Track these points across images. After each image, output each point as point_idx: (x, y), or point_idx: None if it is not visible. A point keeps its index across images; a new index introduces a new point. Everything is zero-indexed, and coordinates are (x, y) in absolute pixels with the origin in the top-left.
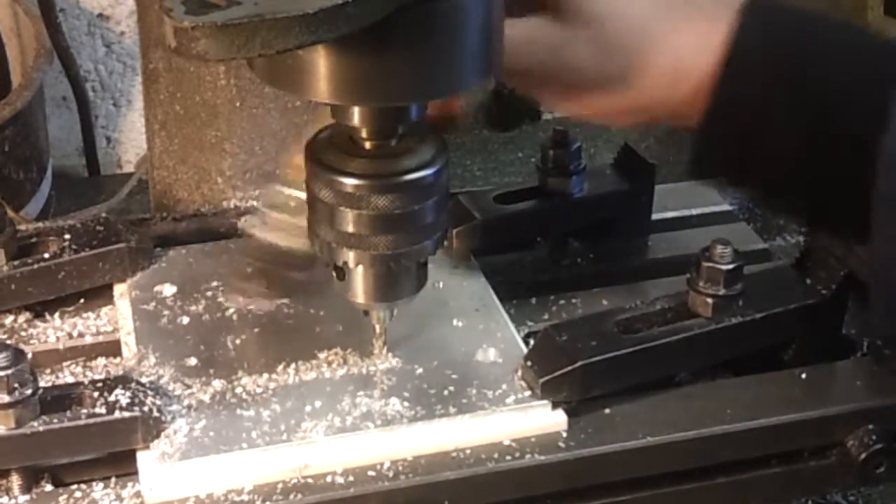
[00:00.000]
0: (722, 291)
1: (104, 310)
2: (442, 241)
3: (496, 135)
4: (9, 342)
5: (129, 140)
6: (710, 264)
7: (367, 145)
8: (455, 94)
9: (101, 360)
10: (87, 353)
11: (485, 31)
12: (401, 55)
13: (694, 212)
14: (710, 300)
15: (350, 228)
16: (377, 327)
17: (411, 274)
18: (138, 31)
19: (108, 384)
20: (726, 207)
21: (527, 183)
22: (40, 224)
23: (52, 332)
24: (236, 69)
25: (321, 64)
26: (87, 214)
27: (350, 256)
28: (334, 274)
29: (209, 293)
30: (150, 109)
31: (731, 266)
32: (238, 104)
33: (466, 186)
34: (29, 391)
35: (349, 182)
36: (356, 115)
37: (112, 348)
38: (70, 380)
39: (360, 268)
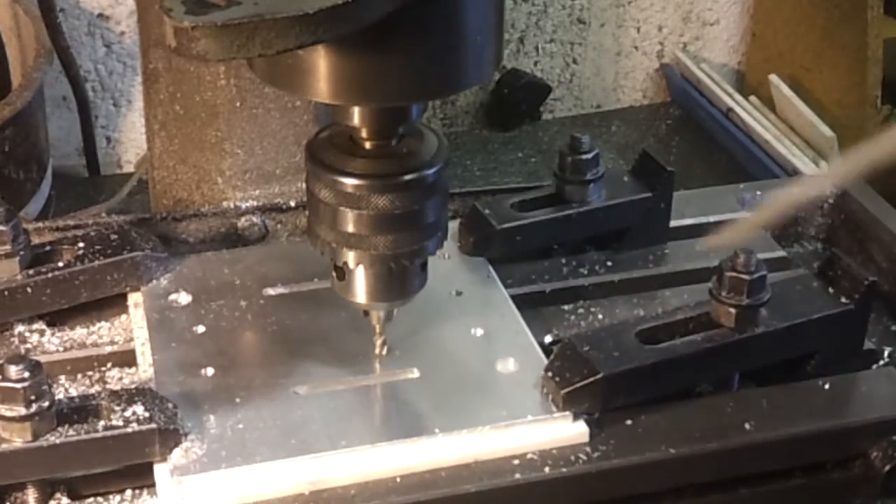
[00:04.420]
0: (745, 301)
1: (119, 319)
2: (442, 241)
3: (496, 135)
4: (23, 352)
5: (129, 140)
6: (734, 274)
7: (368, 145)
8: (456, 93)
9: (116, 371)
10: (102, 362)
11: (484, 30)
12: (400, 55)
13: (711, 219)
14: (733, 310)
15: (350, 228)
16: (377, 327)
17: (411, 274)
18: (138, 31)
19: (125, 396)
20: (744, 214)
21: (544, 190)
22: (40, 224)
23: (66, 341)
24: (236, 69)
25: (321, 64)
26: (86, 214)
27: (350, 256)
28: (334, 274)
29: (225, 302)
30: (150, 109)
31: (754, 276)
32: (238, 104)
33: (466, 186)
34: (46, 403)
35: (349, 182)
36: (356, 115)
37: (127, 358)
38: (84, 390)
39: (360, 268)
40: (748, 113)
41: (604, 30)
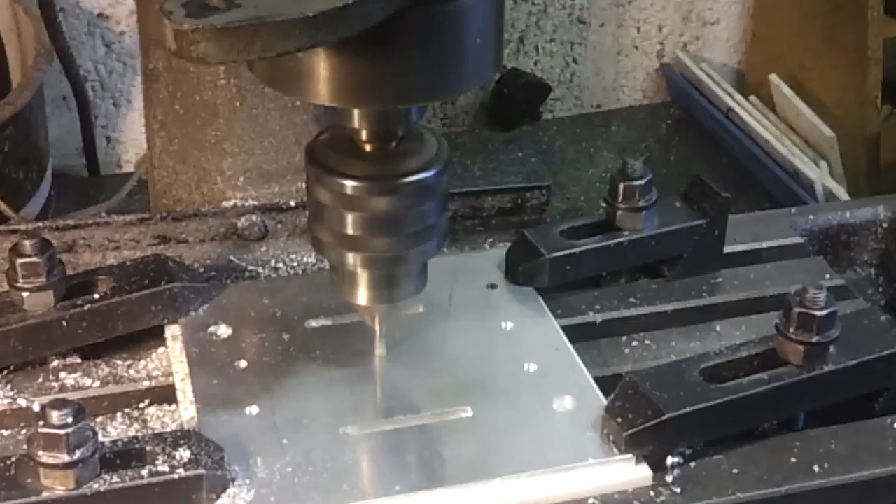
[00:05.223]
0: (815, 338)
1: (156, 352)
2: (442, 243)
3: (496, 135)
4: (57, 388)
5: (129, 140)
6: (803, 309)
7: (367, 147)
8: (455, 96)
9: (154, 409)
10: (139, 399)
11: (485, 32)
12: (400, 58)
13: (764, 244)
14: (801, 347)
15: (350, 230)
16: (378, 329)
17: (412, 275)
18: (138, 31)
19: (170, 439)
20: (797, 240)
21: (595, 217)
22: (40, 223)
23: (102, 376)
24: (236, 69)
25: (321, 67)
26: (87, 214)
27: (350, 258)
28: (334, 275)
29: (266, 334)
30: (150, 109)
31: (825, 312)
32: (238, 104)
33: (466, 186)
34: (90, 450)
35: (348, 184)
36: (356, 118)
37: (166, 394)
38: (124, 429)
39: (360, 269)
40: (748, 113)
41: (604, 30)
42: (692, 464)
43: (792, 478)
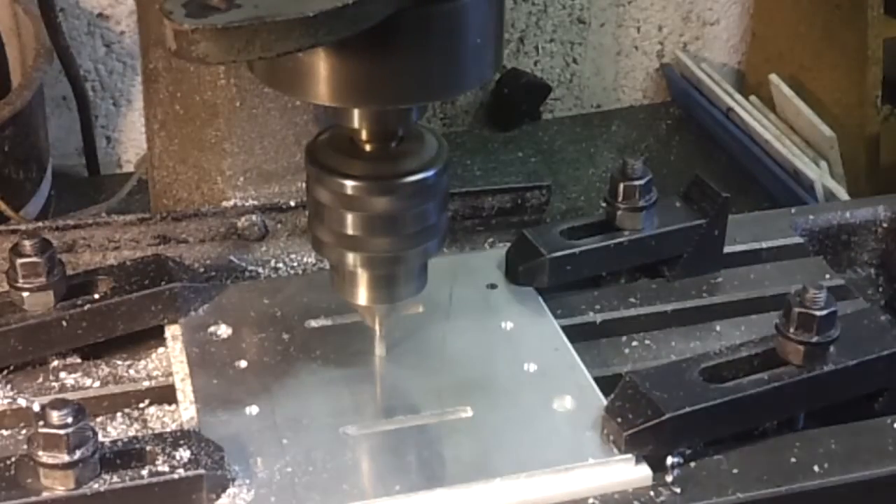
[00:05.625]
0: (815, 338)
1: (156, 352)
2: (442, 243)
3: (496, 135)
4: (57, 388)
5: (129, 140)
6: (803, 310)
7: (367, 147)
8: (455, 96)
9: (154, 409)
10: (139, 398)
11: (484, 32)
12: (400, 58)
13: (764, 244)
14: (801, 347)
15: (350, 231)
16: (378, 329)
17: (412, 275)
18: (138, 31)
19: (170, 439)
20: (797, 240)
21: (595, 217)
22: (40, 223)
23: (102, 376)
24: (236, 69)
25: (321, 66)
26: (86, 214)
27: (350, 258)
28: (334, 275)
29: (266, 334)
30: (150, 109)
31: (825, 312)
32: (238, 104)
33: (466, 186)
34: (90, 450)
35: (348, 184)
36: (355, 118)
37: (166, 394)
38: (124, 429)
39: (360, 269)
40: (748, 113)
41: (604, 29)
42: (692, 464)
43: (792, 478)
